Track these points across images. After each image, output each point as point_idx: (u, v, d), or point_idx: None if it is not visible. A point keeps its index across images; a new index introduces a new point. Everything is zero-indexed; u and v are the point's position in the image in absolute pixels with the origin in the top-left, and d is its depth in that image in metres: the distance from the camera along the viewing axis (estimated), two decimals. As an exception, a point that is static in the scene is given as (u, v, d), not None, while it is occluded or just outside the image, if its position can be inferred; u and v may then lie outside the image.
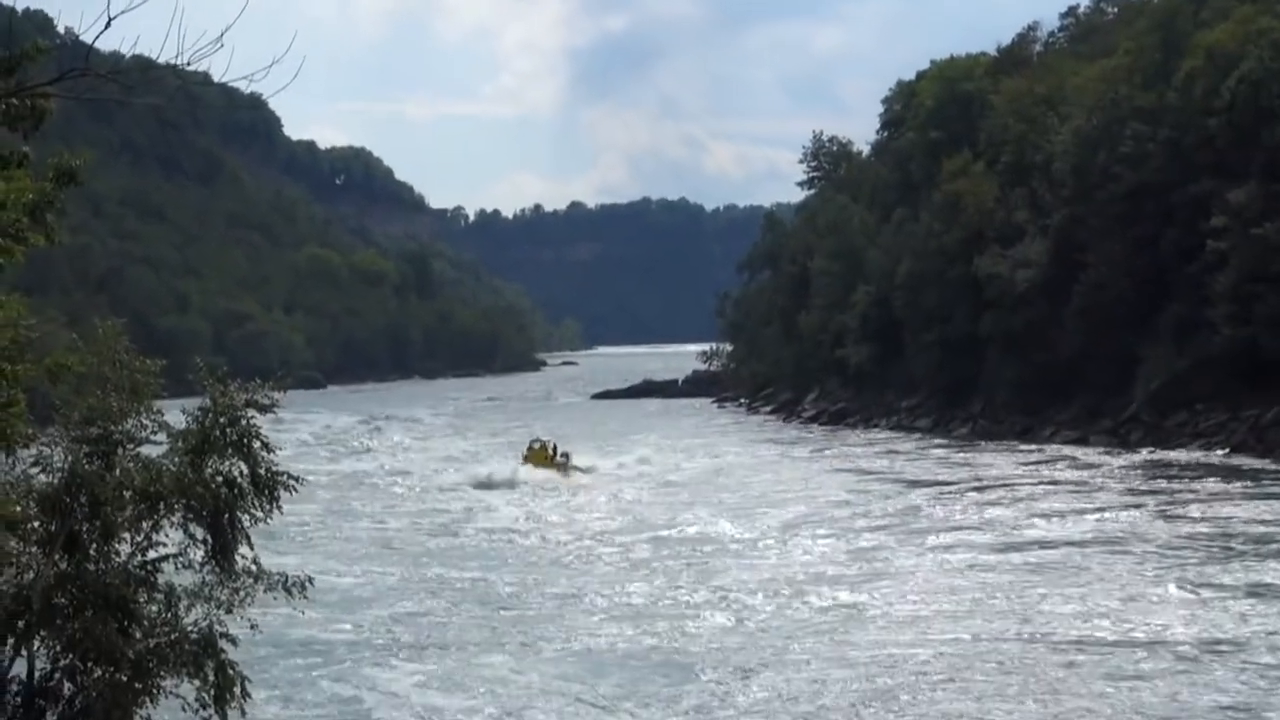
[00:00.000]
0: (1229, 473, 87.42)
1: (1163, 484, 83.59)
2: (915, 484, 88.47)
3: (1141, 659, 40.74)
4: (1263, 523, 65.89)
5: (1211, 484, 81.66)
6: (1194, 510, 70.99)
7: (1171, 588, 50.76)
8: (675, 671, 40.79)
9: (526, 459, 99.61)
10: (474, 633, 46.84)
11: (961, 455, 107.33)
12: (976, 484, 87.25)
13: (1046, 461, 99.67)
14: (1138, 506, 72.83)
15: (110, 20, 13.59)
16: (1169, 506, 72.77)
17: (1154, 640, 43.04)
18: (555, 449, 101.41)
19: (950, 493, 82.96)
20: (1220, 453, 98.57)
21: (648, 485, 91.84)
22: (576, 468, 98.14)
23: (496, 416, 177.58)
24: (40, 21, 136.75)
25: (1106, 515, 69.62)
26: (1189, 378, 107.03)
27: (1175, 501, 74.93)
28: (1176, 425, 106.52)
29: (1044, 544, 61.70)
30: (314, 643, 44.38)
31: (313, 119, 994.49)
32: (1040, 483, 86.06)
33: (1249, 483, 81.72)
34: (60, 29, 78.57)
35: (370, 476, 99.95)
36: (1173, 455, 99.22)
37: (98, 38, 13.91)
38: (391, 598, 53.04)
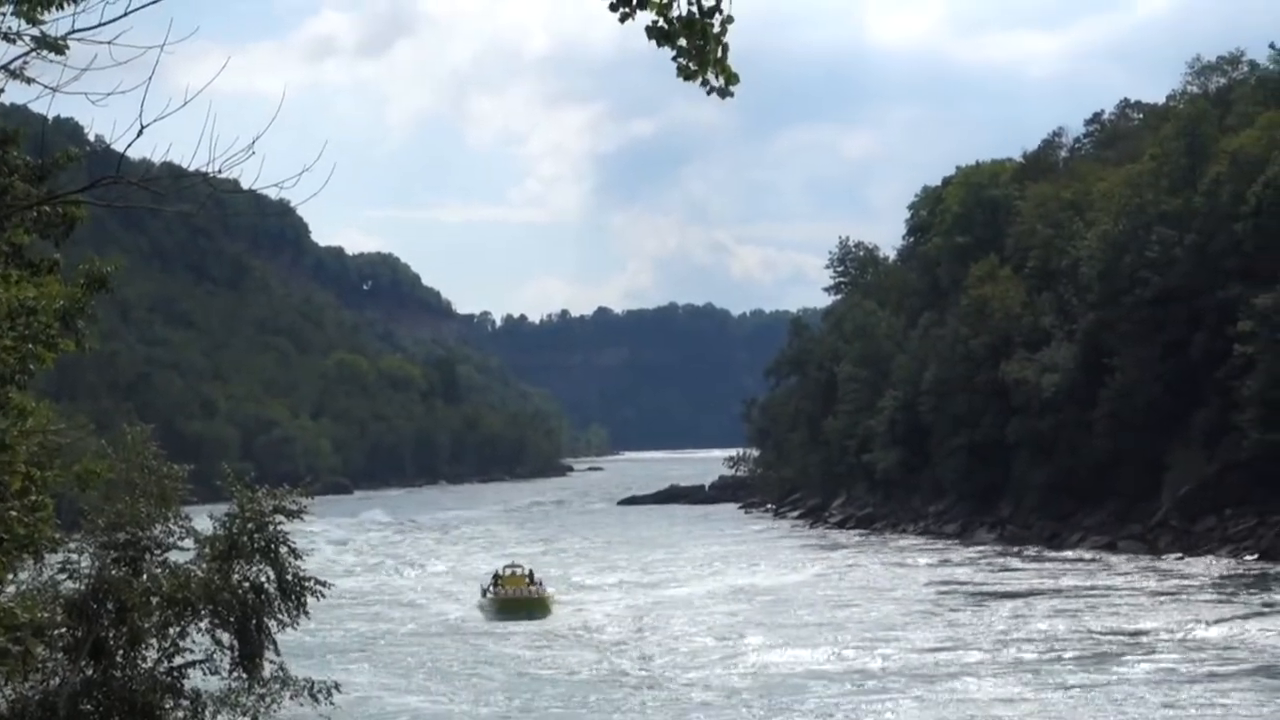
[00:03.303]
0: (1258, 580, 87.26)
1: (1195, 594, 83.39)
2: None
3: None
4: None
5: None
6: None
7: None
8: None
9: (499, 583, 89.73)
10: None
11: (995, 565, 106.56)
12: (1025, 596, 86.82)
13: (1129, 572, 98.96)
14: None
15: (143, 129, 13.68)
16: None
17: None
18: (531, 575, 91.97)
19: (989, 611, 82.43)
20: (1250, 558, 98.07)
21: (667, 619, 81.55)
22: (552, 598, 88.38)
23: (529, 524, 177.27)
24: (71, 130, 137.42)
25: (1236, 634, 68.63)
26: (1217, 482, 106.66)
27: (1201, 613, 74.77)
28: (1205, 530, 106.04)
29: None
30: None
31: (341, 224, 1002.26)
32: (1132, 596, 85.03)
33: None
34: (91, 137, 78.77)
35: (362, 598, 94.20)
36: (1201, 563, 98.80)
37: (129, 145, 13.99)
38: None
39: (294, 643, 26.47)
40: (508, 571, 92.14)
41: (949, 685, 57.21)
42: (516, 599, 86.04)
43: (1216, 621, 71.19)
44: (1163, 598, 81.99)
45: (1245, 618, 72.61)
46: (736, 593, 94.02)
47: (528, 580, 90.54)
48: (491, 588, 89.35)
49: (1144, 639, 67.26)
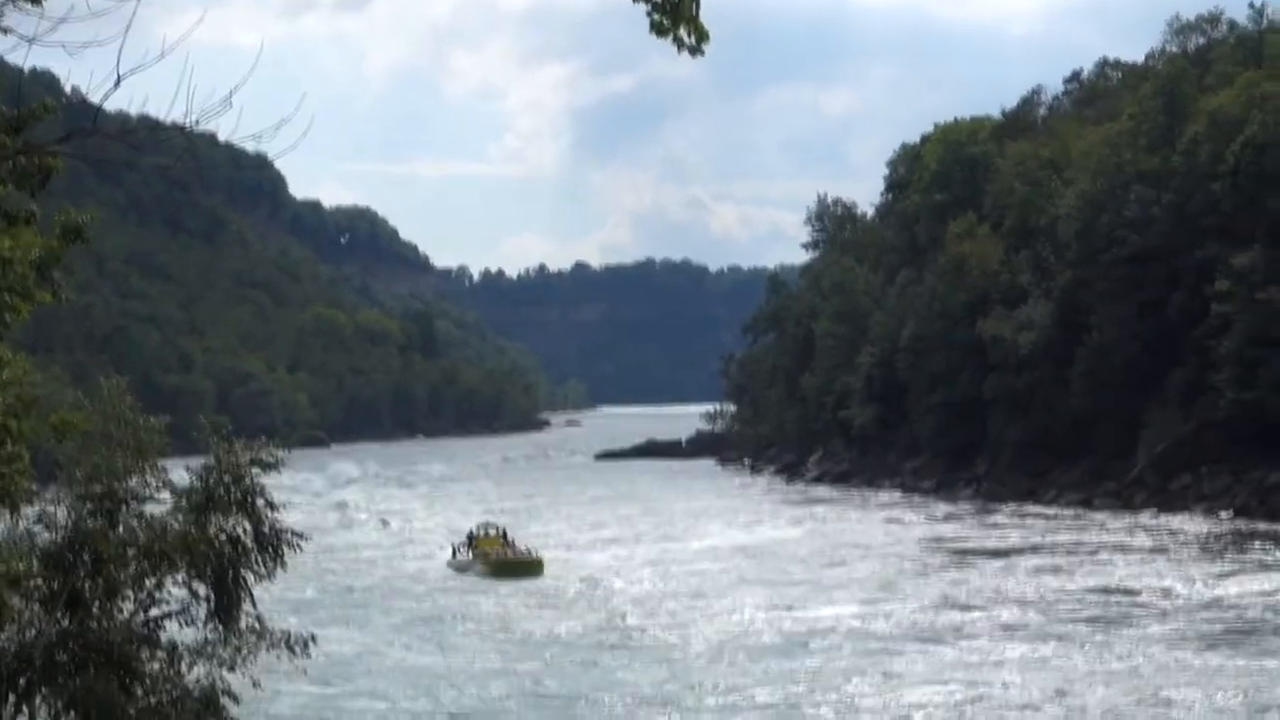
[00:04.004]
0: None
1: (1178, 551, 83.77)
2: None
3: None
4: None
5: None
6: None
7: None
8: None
9: (474, 543, 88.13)
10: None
11: (980, 521, 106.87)
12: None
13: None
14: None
15: (120, 80, 13.62)
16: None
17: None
18: (505, 534, 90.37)
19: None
20: (1224, 515, 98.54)
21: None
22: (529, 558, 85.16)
23: (502, 479, 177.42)
24: (48, 81, 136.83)
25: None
26: (1193, 441, 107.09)
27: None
28: (1181, 488, 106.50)
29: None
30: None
31: (318, 178, 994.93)
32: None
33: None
34: (67, 88, 78.39)
35: (337, 553, 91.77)
36: (1178, 520, 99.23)
37: (106, 97, 13.93)
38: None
39: (273, 598, 26.55)
40: (481, 532, 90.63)
41: (948, 644, 57.22)
42: (510, 560, 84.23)
43: (1207, 579, 71.71)
44: (1151, 555, 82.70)
45: (1230, 576, 73.09)
46: (724, 550, 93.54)
47: (502, 540, 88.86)
48: (466, 548, 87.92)
49: (1137, 597, 67.66)
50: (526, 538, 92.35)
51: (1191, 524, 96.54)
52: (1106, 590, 70.07)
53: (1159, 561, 79.42)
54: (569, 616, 67.51)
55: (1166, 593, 68.23)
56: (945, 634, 59.61)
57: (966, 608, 66.14)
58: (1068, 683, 48.94)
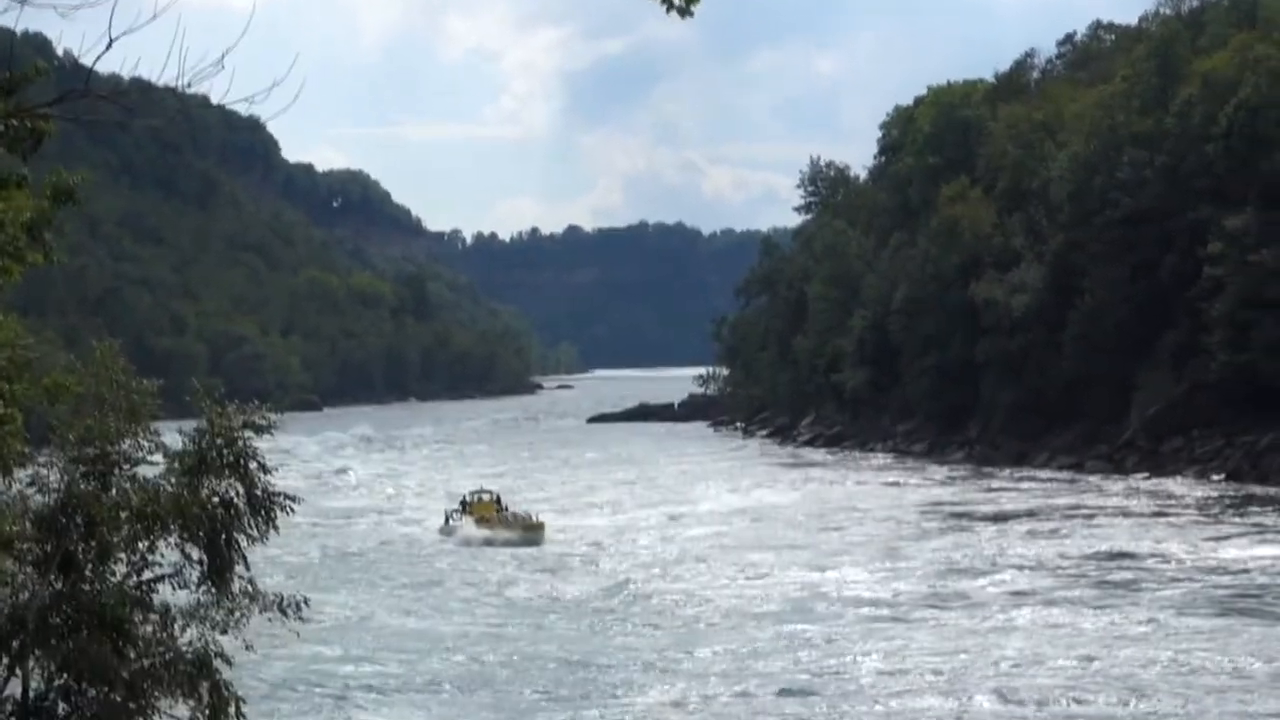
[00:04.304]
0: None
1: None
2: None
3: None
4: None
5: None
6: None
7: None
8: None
9: (468, 509, 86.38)
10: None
11: (978, 485, 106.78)
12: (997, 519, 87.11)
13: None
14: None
15: (111, 42, 13.61)
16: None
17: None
18: (499, 500, 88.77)
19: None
20: (1216, 478, 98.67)
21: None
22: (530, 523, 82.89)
23: (494, 443, 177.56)
24: (39, 43, 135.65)
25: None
26: (1185, 404, 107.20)
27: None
28: (1173, 451, 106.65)
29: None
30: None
31: (311, 141, 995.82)
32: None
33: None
34: (59, 51, 77.97)
35: (328, 517, 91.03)
36: (1168, 482, 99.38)
37: (98, 59, 13.91)
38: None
39: (266, 561, 26.54)
40: (474, 498, 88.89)
41: (955, 609, 56.48)
42: (511, 526, 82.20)
43: (1209, 544, 71.49)
44: (1151, 519, 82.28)
45: (1230, 540, 72.98)
46: (722, 514, 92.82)
47: (496, 506, 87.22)
48: (459, 514, 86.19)
49: (1142, 562, 67.20)
50: (520, 503, 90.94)
51: (1184, 488, 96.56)
52: (1110, 555, 69.67)
53: (1159, 526, 79.01)
54: (568, 581, 66.66)
55: (1169, 558, 67.84)
56: (951, 599, 59.00)
57: (970, 572, 65.63)
58: (1082, 648, 48.23)
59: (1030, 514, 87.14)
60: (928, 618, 55.00)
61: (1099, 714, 40.35)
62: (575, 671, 47.28)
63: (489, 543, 79.31)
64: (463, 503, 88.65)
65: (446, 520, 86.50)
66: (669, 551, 75.71)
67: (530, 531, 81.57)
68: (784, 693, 43.73)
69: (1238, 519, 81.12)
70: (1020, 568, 66.81)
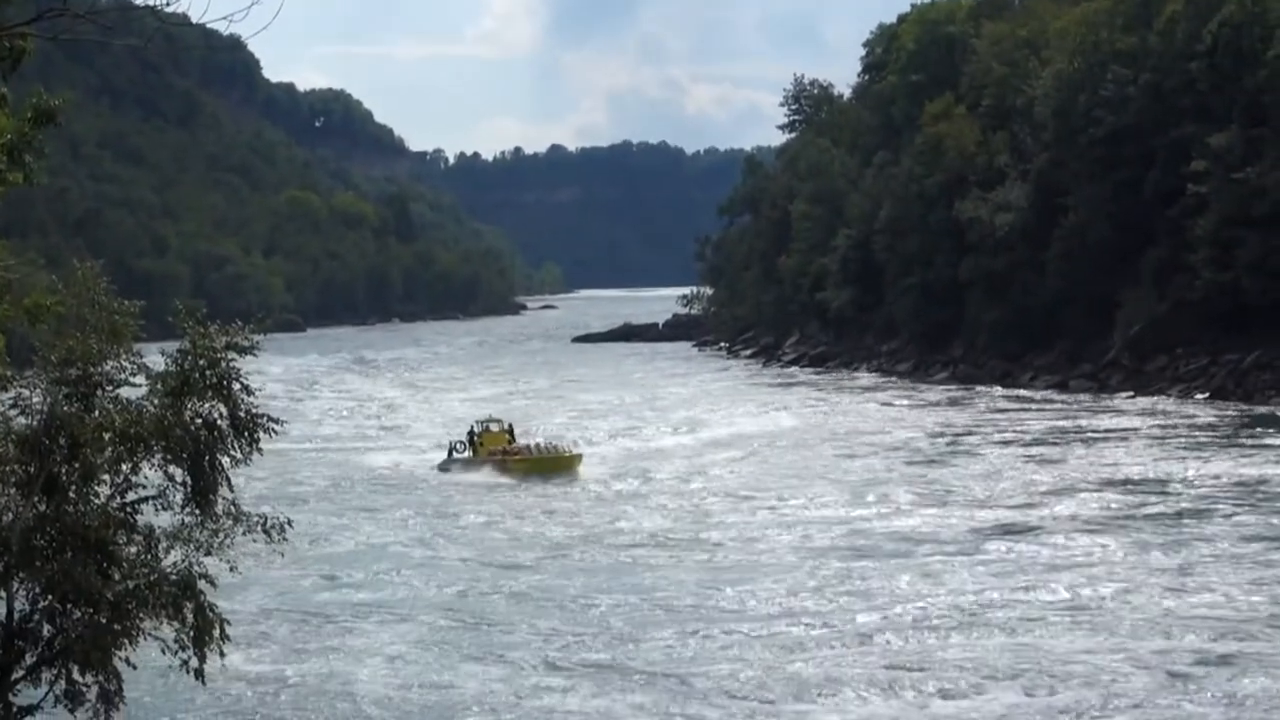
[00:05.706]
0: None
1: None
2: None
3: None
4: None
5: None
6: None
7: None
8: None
9: (479, 441, 79.29)
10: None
11: (978, 406, 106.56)
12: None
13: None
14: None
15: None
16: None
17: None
18: (512, 430, 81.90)
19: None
20: (1200, 397, 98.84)
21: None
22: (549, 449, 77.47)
23: (482, 362, 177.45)
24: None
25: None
26: (1169, 322, 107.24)
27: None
28: (1156, 370, 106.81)
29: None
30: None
31: (292, 61, 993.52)
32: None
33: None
34: (37, -31, 77.53)
35: (317, 449, 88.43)
36: (1152, 400, 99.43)
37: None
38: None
39: (258, 490, 26.52)
40: (482, 428, 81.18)
41: (992, 541, 53.79)
42: (544, 458, 75.54)
43: (1232, 465, 70.04)
44: (1163, 441, 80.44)
45: (1250, 460, 71.93)
46: (744, 437, 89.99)
47: (509, 437, 79.98)
48: (466, 446, 78.86)
49: (1166, 486, 65.30)
50: (525, 435, 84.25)
51: (1175, 405, 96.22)
52: (1140, 481, 67.40)
53: (1183, 448, 77.01)
54: (591, 514, 63.73)
55: (1192, 481, 66.13)
56: (987, 530, 56.32)
57: (997, 504, 62.83)
58: (1130, 582, 46.35)
59: (1043, 438, 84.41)
60: (964, 551, 52.30)
61: (1193, 648, 38.70)
62: (594, 609, 45.18)
63: (520, 474, 73.81)
64: (470, 434, 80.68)
65: (450, 453, 79.55)
66: (688, 484, 71.88)
67: (566, 463, 75.71)
68: (863, 636, 41.37)
69: (1261, 441, 78.97)
70: (1044, 493, 64.63)
